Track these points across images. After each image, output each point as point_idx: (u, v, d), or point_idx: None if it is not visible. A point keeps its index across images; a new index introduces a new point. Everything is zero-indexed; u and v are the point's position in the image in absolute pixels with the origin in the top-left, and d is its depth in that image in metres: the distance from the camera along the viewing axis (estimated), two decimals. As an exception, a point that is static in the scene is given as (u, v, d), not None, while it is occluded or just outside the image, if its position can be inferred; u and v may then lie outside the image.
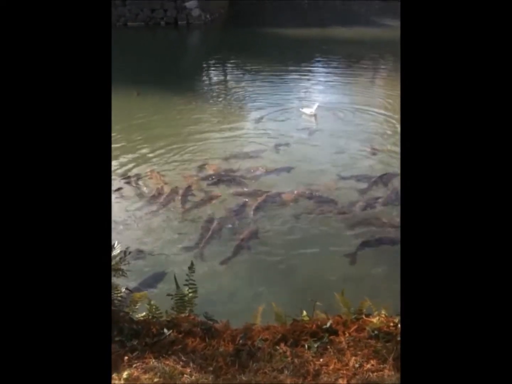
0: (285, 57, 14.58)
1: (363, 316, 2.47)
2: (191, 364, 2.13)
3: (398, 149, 7.08)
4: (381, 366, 2.11)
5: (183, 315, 2.53)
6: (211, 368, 2.12)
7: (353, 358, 2.16)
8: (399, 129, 8.06)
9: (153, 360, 2.15)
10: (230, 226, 4.89)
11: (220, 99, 10.47)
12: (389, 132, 7.98)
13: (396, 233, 4.55)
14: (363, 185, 5.84)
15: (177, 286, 2.63)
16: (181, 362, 2.15)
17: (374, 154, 6.78)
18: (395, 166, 6.32)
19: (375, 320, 2.41)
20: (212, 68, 14.35)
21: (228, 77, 13.27)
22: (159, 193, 5.62)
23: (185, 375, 2.07)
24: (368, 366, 2.11)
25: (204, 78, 13.58)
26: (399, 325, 2.34)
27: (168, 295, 2.61)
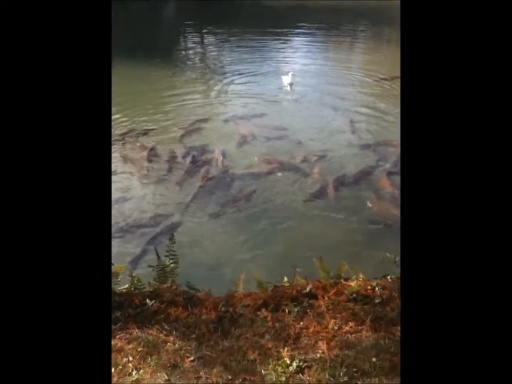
0: (263, 25, 14.27)
1: (342, 281, 2.53)
2: (174, 333, 2.17)
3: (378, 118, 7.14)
4: (359, 327, 2.18)
5: (165, 285, 2.55)
6: (194, 336, 2.16)
7: (332, 320, 2.23)
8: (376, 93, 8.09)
9: (137, 330, 2.18)
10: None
11: (196, 67, 10.29)
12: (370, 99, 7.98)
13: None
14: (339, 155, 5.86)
15: (158, 257, 2.64)
16: (164, 331, 2.18)
17: (353, 130, 6.59)
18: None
19: (353, 284, 2.47)
20: (188, 38, 13.97)
21: (204, 47, 12.97)
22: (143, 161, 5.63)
23: (168, 343, 2.11)
24: (347, 328, 2.19)
25: (180, 47, 13.22)
26: (376, 288, 2.42)
27: (150, 266, 2.62)
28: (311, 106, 7.52)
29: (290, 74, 8.35)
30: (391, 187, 4.97)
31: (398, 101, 7.52)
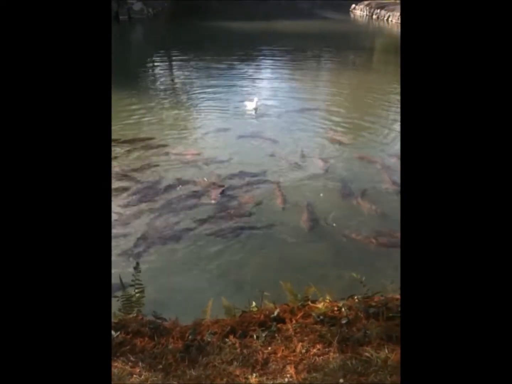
0: (230, 50, 14.60)
1: (309, 303, 2.55)
2: (140, 364, 2.12)
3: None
4: (326, 349, 2.19)
5: (131, 316, 2.50)
6: (160, 366, 2.11)
7: (300, 344, 2.23)
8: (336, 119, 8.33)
9: (101, 363, 2.12)
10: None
11: (162, 93, 10.42)
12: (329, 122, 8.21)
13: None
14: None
15: (123, 287, 2.59)
16: (129, 363, 2.13)
17: (321, 152, 6.71)
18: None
19: (320, 305, 2.49)
20: (156, 63, 14.11)
21: (172, 71, 13.14)
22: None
23: (134, 375, 2.05)
24: (314, 350, 2.19)
25: (147, 72, 13.32)
26: (342, 309, 2.44)
27: (114, 296, 2.57)
28: (276, 128, 7.70)
29: (255, 100, 8.61)
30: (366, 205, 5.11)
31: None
